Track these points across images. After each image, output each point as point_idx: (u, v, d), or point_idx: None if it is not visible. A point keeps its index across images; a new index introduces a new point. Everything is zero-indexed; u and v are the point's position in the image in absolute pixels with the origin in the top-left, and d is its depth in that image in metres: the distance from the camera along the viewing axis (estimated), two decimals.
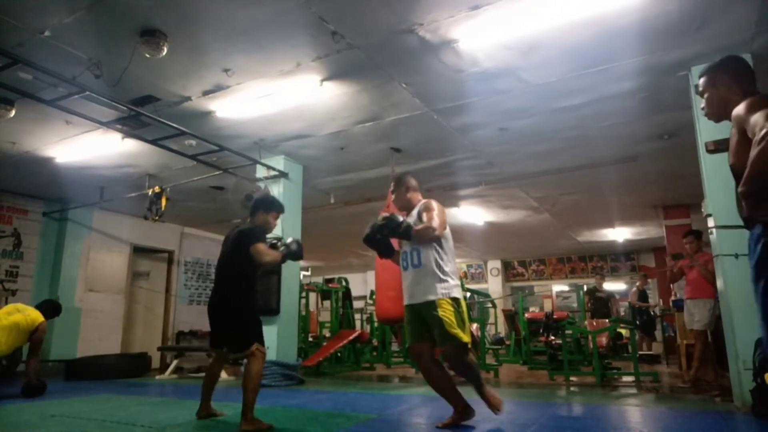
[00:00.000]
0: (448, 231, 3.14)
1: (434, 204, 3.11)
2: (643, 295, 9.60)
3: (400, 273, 3.25)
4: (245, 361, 3.25)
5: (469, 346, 3.01)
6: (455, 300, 2.99)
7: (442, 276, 2.98)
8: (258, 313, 3.47)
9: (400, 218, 3.01)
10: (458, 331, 2.91)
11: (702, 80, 1.98)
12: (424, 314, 3.00)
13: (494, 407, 3.15)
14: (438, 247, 3.04)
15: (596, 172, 6.93)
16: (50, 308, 5.49)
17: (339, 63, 4.24)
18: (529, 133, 5.73)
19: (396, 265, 3.30)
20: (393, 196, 3.35)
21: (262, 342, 3.26)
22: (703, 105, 2.02)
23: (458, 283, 3.07)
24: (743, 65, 1.93)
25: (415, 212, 3.16)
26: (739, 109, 1.71)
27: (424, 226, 2.98)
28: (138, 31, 3.76)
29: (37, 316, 5.02)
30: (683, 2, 3.49)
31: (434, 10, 3.56)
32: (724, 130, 1.93)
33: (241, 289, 3.34)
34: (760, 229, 1.63)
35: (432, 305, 2.94)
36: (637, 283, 9.91)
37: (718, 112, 1.95)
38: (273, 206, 3.57)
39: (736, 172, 1.71)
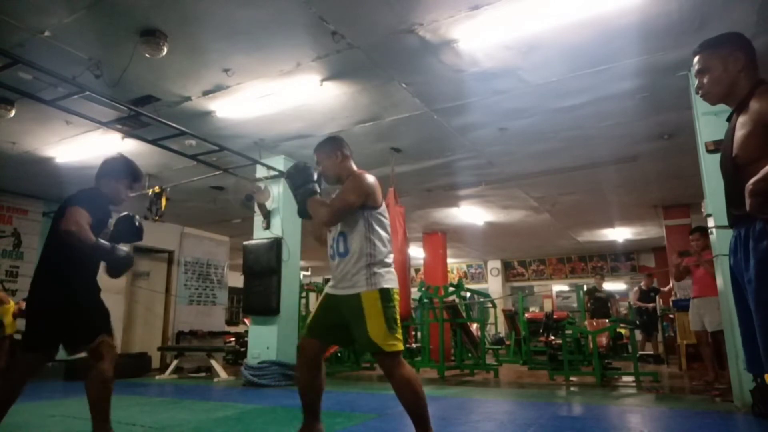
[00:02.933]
0: (382, 209, 2.48)
1: (359, 181, 2.39)
2: (646, 295, 9.55)
3: (400, 273, 2.93)
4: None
5: (398, 353, 2.28)
6: (385, 291, 2.29)
7: (372, 264, 2.32)
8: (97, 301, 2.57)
9: (314, 175, 2.42)
10: (384, 333, 2.22)
11: (708, 56, 1.75)
12: (343, 309, 2.33)
13: None
14: (368, 233, 2.37)
15: (596, 172, 6.93)
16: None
17: (339, 63, 4.23)
18: (529, 133, 5.73)
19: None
20: (319, 168, 2.62)
21: (110, 333, 2.49)
22: (702, 83, 1.79)
23: (392, 270, 2.39)
24: (752, 45, 1.74)
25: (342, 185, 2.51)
26: (765, 104, 1.56)
27: (320, 204, 2.36)
28: (138, 31, 3.76)
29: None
30: (683, 2, 3.49)
31: (434, 10, 3.56)
32: (724, 130, 1.81)
33: (69, 265, 2.45)
34: (762, 225, 1.56)
35: (356, 299, 2.27)
36: (642, 283, 9.85)
37: (722, 93, 1.75)
38: (122, 173, 2.69)
39: (739, 164, 1.62)
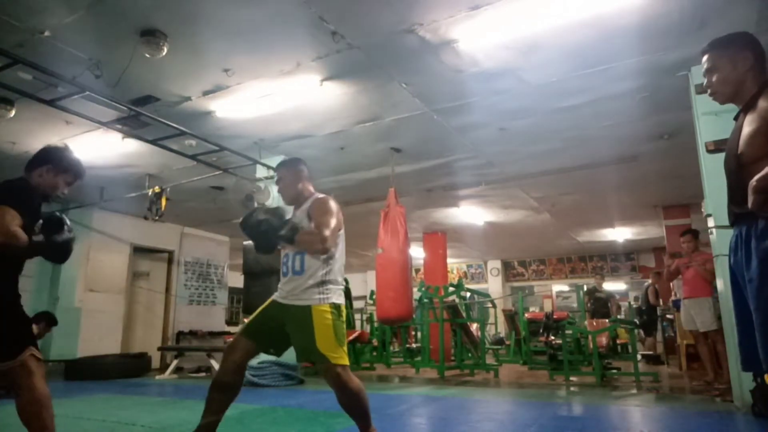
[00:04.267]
0: (342, 231, 2.58)
1: (331, 204, 2.47)
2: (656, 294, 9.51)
3: (401, 273, 2.95)
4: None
5: (345, 365, 2.34)
6: (336, 307, 2.39)
7: (325, 282, 2.41)
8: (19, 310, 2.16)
9: (286, 215, 2.40)
10: (333, 347, 2.31)
11: (717, 56, 1.76)
12: (289, 319, 2.39)
13: None
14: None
15: (596, 172, 6.93)
16: (45, 319, 5.55)
17: (339, 63, 4.23)
18: (529, 133, 5.72)
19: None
20: (279, 185, 2.67)
21: (35, 345, 2.12)
22: (711, 83, 1.79)
23: (342, 287, 2.50)
24: (760, 45, 1.73)
25: (305, 207, 2.54)
26: None
27: (314, 235, 2.34)
28: (138, 31, 3.76)
29: None
30: (683, 2, 3.49)
31: (434, 10, 3.56)
32: (724, 130, 1.81)
33: None
34: (765, 223, 1.56)
35: (306, 311, 2.33)
36: (651, 281, 9.79)
37: (730, 92, 1.75)
38: (62, 163, 2.32)
39: (744, 162, 1.62)
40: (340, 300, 2.44)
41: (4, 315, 2.07)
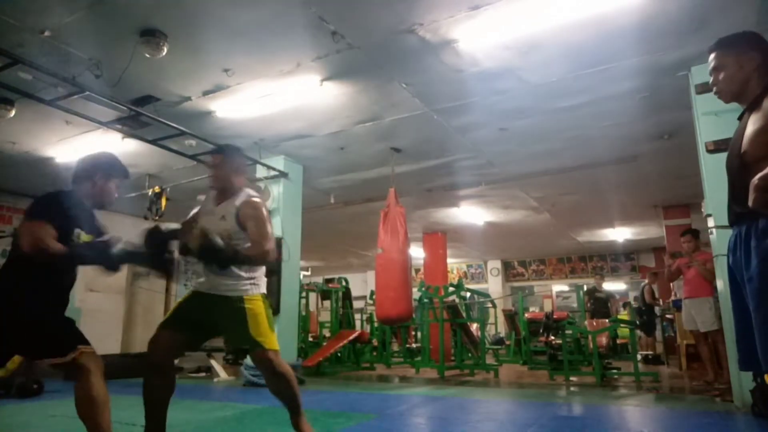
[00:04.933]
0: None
1: (264, 212, 2.44)
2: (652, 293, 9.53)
3: (401, 273, 2.96)
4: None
5: (276, 350, 2.40)
6: (264, 296, 2.47)
7: (254, 275, 2.45)
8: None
9: (220, 241, 2.23)
10: (267, 332, 2.37)
11: (723, 54, 1.76)
12: (216, 310, 2.39)
13: None
14: None
15: (596, 172, 6.93)
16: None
17: (339, 63, 4.23)
18: (529, 133, 5.72)
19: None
20: (214, 171, 2.58)
21: (86, 343, 2.24)
22: (717, 81, 1.79)
23: (264, 277, 2.53)
24: (767, 45, 1.74)
25: (235, 202, 2.46)
26: None
27: (260, 249, 2.32)
28: (138, 31, 3.76)
29: None
30: (683, 2, 3.49)
31: (434, 10, 3.56)
32: (724, 130, 1.81)
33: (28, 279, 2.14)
34: (765, 223, 1.56)
35: (237, 301, 2.36)
36: (647, 281, 9.81)
37: (735, 91, 1.75)
38: (112, 169, 2.49)
39: (746, 162, 1.61)
40: (265, 290, 2.51)
41: (49, 316, 2.18)
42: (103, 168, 2.43)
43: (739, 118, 1.77)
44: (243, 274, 2.40)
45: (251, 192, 2.55)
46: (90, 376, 2.11)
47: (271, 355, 2.37)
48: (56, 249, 2.09)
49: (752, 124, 1.63)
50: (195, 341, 2.57)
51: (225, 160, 2.58)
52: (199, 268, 2.46)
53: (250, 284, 2.42)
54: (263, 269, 2.51)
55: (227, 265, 2.30)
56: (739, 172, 1.66)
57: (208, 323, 2.47)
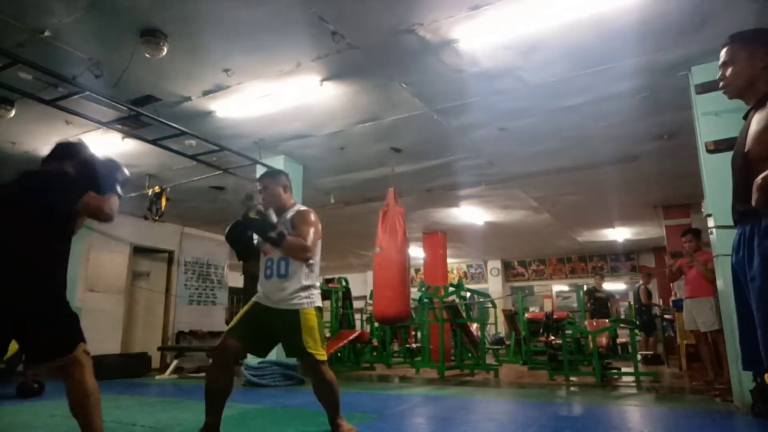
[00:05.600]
0: (320, 239, 2.80)
1: (313, 216, 2.75)
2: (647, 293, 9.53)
3: (399, 273, 3.12)
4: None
5: (325, 361, 2.68)
6: (318, 309, 2.72)
7: (307, 285, 2.70)
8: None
9: (275, 218, 2.59)
10: (317, 345, 2.63)
11: (735, 49, 1.75)
12: (277, 321, 2.65)
13: None
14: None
15: (596, 172, 6.93)
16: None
17: (339, 63, 4.23)
18: (529, 133, 5.72)
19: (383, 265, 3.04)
20: (264, 194, 2.85)
21: (85, 340, 2.19)
22: (724, 75, 1.79)
23: (319, 291, 2.80)
24: None
25: (287, 216, 2.77)
26: None
27: (300, 242, 2.59)
28: (138, 31, 3.76)
29: None
30: (683, 2, 3.49)
31: (434, 10, 3.56)
32: (724, 130, 1.81)
33: (50, 262, 2.09)
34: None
35: (295, 314, 2.62)
36: (642, 281, 9.83)
37: (741, 87, 1.74)
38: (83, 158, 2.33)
39: (751, 160, 1.61)
40: (320, 303, 2.76)
41: (63, 311, 2.11)
42: (74, 156, 2.32)
43: (745, 117, 1.76)
44: (301, 285, 2.66)
45: (302, 206, 2.87)
46: (86, 371, 2.10)
47: (320, 365, 2.64)
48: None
49: (756, 124, 1.63)
50: (262, 348, 2.82)
51: (271, 183, 2.86)
52: (261, 278, 2.76)
53: (306, 297, 2.66)
54: (318, 287, 2.76)
55: (272, 242, 2.53)
56: (742, 172, 1.65)
57: (271, 333, 2.72)
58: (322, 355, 2.63)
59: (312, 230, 2.67)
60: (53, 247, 2.10)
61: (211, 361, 2.73)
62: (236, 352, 2.69)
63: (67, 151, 2.31)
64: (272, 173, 2.97)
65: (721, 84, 1.81)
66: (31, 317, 1.99)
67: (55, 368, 2.08)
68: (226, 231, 2.77)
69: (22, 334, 2.03)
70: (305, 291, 2.67)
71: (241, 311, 2.75)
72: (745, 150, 1.64)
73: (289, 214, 2.78)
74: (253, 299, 2.75)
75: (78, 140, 2.38)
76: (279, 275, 2.68)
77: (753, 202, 1.48)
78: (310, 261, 2.69)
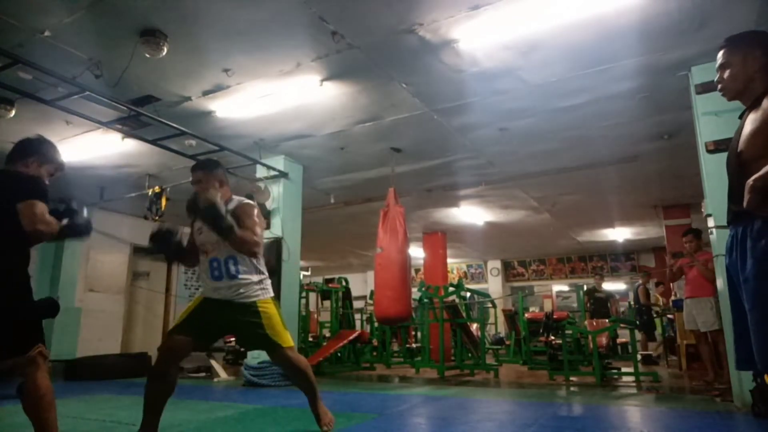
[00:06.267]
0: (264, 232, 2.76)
1: (257, 211, 2.65)
2: (646, 293, 9.54)
3: (400, 273, 3.06)
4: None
5: (292, 346, 2.67)
6: (273, 299, 2.69)
7: (262, 280, 2.66)
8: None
9: (224, 208, 2.46)
10: (281, 333, 2.60)
11: (730, 52, 1.78)
12: (229, 314, 2.56)
13: (324, 425, 2.81)
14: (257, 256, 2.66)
15: (596, 172, 6.93)
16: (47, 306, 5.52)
17: (339, 63, 4.23)
18: (529, 133, 5.73)
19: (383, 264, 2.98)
20: (197, 187, 2.67)
21: (44, 342, 2.16)
22: (722, 78, 1.81)
23: (270, 281, 2.74)
24: None
25: (230, 209, 2.58)
26: None
27: (249, 237, 2.49)
28: (138, 31, 3.76)
29: None
30: (683, 2, 3.49)
31: (434, 10, 3.56)
32: (724, 130, 1.83)
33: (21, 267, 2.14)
34: (761, 224, 1.56)
35: (253, 307, 2.56)
36: (641, 281, 9.83)
37: (738, 89, 1.76)
38: (46, 155, 2.41)
39: (744, 161, 1.62)
40: (272, 293, 2.72)
41: (21, 310, 2.10)
42: (39, 154, 2.40)
43: (740, 117, 1.77)
44: (253, 280, 2.61)
45: (243, 198, 2.75)
46: (39, 372, 2.10)
47: (288, 352, 2.62)
48: (55, 228, 2.15)
49: (750, 124, 1.64)
50: (203, 344, 2.67)
51: (204, 176, 2.69)
52: (206, 279, 2.65)
53: (260, 289, 2.62)
54: (267, 276, 2.70)
55: (225, 233, 2.44)
56: (736, 172, 1.66)
57: (220, 326, 2.63)
58: (287, 341, 2.62)
59: (258, 224, 2.59)
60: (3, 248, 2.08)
61: (155, 361, 2.58)
62: (185, 349, 2.55)
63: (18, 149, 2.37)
64: (208, 165, 2.77)
65: (719, 86, 1.83)
66: None
67: (11, 367, 2.09)
68: (152, 243, 2.62)
69: None
70: (258, 284, 2.63)
71: (187, 309, 2.65)
72: (739, 150, 1.65)
73: (231, 205, 2.63)
74: (200, 296, 2.67)
75: (36, 137, 2.41)
76: (230, 276, 2.58)
77: (744, 204, 1.48)
78: (258, 254, 2.62)
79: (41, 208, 2.09)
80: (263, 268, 2.71)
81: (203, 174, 2.69)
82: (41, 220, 2.07)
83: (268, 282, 2.71)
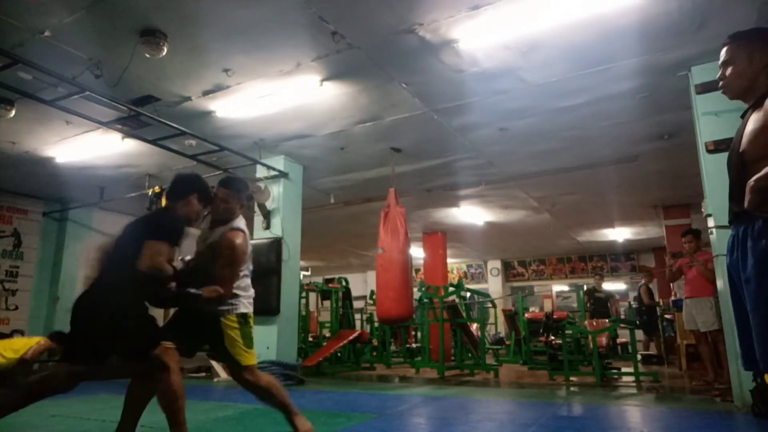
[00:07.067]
0: (249, 252, 2.65)
1: (238, 240, 2.52)
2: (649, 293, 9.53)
3: (402, 273, 2.98)
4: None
5: (251, 366, 2.56)
6: (242, 316, 2.56)
7: (234, 294, 2.57)
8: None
9: (192, 289, 2.42)
10: (241, 351, 2.52)
11: (735, 49, 1.73)
12: (204, 327, 2.56)
13: None
14: None
15: (596, 172, 6.93)
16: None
17: (339, 63, 4.23)
18: (529, 133, 5.72)
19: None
20: (218, 204, 2.64)
21: (166, 338, 2.43)
22: (724, 75, 1.77)
23: (250, 295, 2.64)
24: None
25: (219, 231, 2.58)
26: None
27: (216, 292, 2.41)
28: (138, 31, 3.76)
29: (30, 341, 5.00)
30: (683, 2, 3.49)
31: (434, 10, 3.56)
32: (724, 130, 1.81)
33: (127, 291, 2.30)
34: (762, 224, 1.55)
35: (216, 322, 2.52)
36: (644, 281, 9.81)
37: (742, 87, 1.72)
38: (207, 191, 2.63)
39: (746, 161, 1.60)
40: (248, 309, 2.60)
41: (139, 323, 2.35)
42: (200, 190, 2.56)
43: (743, 116, 1.75)
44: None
45: (239, 224, 2.63)
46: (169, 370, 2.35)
47: (245, 372, 2.54)
48: (168, 273, 2.27)
49: (752, 124, 1.62)
50: (189, 349, 2.65)
51: (230, 196, 2.64)
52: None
53: (228, 305, 2.53)
54: (247, 293, 2.62)
55: (199, 303, 2.43)
56: (738, 172, 1.65)
57: (197, 335, 2.61)
58: (247, 359, 2.53)
59: (231, 271, 2.51)
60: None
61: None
62: (177, 356, 2.53)
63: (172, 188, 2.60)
64: (237, 186, 2.71)
65: (720, 84, 1.79)
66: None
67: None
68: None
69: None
70: (229, 299, 2.53)
71: (170, 317, 2.67)
72: (740, 150, 1.63)
73: (221, 231, 2.58)
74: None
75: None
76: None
77: (746, 204, 1.47)
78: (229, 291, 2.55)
79: (160, 248, 2.21)
80: (241, 287, 2.59)
81: (230, 194, 2.64)
82: (155, 257, 2.18)
83: (242, 299, 2.57)
